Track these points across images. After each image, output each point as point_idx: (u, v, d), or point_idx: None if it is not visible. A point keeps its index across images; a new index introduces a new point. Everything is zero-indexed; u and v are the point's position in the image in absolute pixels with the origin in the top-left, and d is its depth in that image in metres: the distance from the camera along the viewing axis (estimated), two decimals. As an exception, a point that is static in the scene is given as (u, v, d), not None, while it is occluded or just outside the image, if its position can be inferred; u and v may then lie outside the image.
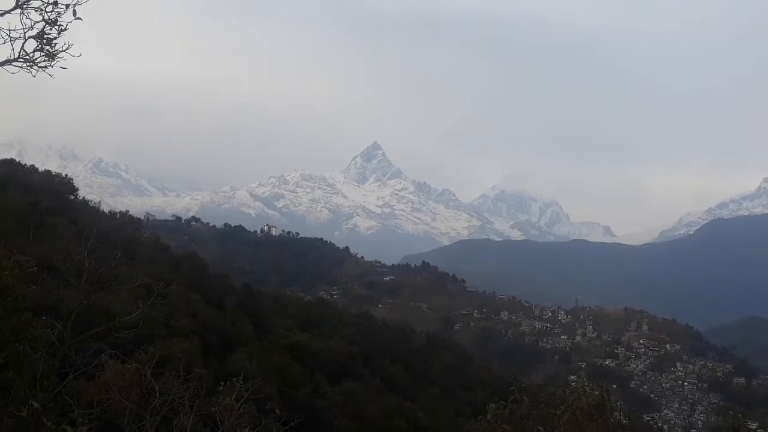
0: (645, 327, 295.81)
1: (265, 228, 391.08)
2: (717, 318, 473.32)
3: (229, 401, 20.50)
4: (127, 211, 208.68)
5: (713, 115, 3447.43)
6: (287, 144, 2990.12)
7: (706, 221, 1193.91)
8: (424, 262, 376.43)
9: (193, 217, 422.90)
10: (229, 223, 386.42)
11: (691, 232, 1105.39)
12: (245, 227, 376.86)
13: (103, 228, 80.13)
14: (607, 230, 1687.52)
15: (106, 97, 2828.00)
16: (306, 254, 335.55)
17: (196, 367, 24.94)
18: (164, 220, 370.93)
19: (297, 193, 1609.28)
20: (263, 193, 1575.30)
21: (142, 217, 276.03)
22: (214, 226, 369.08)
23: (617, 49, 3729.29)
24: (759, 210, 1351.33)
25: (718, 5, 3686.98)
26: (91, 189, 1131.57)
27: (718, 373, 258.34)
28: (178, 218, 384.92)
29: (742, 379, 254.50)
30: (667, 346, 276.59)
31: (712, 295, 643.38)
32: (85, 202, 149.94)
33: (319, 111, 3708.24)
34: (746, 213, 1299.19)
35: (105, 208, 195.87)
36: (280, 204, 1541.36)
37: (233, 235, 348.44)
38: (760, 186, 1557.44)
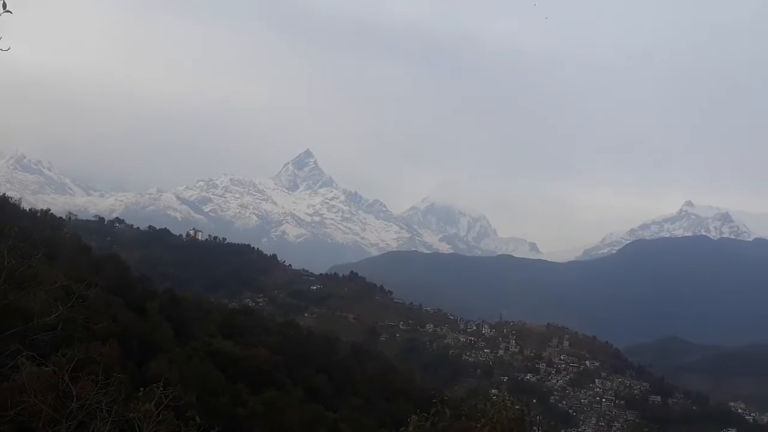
0: (566, 343, 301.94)
1: (191, 232, 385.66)
2: (636, 336, 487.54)
3: (148, 407, 20.29)
4: (49, 210, 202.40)
5: (640, 135, 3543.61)
6: (217, 148, 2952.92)
7: (628, 241, 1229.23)
8: (352, 272, 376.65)
9: (116, 218, 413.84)
10: (154, 225, 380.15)
11: (614, 252, 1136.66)
12: (171, 231, 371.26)
13: (23, 226, 77.72)
14: (533, 247, 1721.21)
15: (31, 92, 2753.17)
16: (232, 260, 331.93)
17: (115, 371, 24.56)
18: (87, 220, 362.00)
19: (225, 197, 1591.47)
20: (190, 196, 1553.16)
21: (64, 217, 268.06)
22: (138, 228, 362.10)
23: (551, 70, 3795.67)
24: (679, 233, 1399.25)
25: (648, 29, 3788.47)
26: (11, 186, 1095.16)
27: (635, 391, 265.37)
28: (101, 219, 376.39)
29: (658, 398, 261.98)
30: (587, 362, 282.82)
31: (631, 314, 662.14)
32: (5, 198, 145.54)
33: (251, 116, 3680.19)
34: (667, 235, 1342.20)
35: (26, 206, 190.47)
36: (207, 208, 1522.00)
37: (158, 238, 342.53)
38: (681, 209, 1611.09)
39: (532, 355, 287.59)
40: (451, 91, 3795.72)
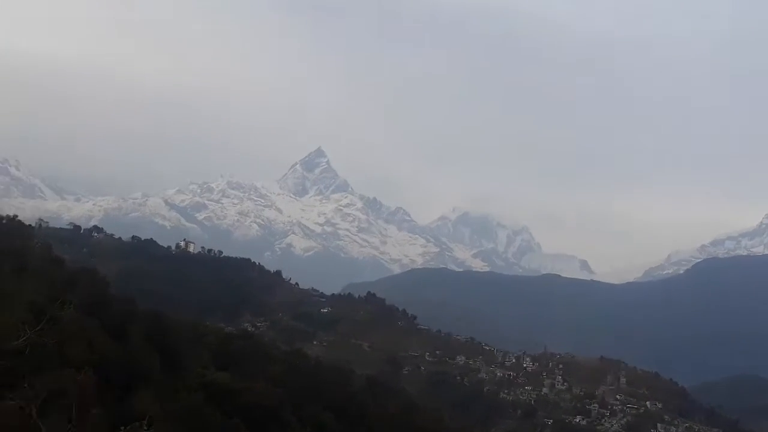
0: (623, 380, 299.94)
1: (182, 243, 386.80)
2: (706, 373, 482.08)
3: (129, 449, 20.44)
4: (16, 216, 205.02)
5: (715, 140, 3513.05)
6: (214, 146, 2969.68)
7: (698, 260, 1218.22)
8: (369, 292, 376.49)
9: (94, 226, 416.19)
10: (139, 235, 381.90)
11: (681, 272, 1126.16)
12: (158, 242, 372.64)
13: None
14: (584, 265, 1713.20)
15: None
16: (229, 277, 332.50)
17: (91, 406, 24.81)
18: (60, 228, 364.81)
19: (222, 203, 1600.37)
20: (182, 201, 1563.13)
21: (34, 224, 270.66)
22: (119, 238, 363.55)
23: (608, 68, 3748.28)
24: (759, 250, 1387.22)
25: (723, 31, 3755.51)
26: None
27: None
28: (77, 227, 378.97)
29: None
30: (648, 403, 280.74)
31: (701, 346, 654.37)
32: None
33: (254, 109, 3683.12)
34: (745, 252, 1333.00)
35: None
36: (201, 216, 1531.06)
37: (143, 250, 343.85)
38: (761, 222, 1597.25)
39: (582, 393, 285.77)
40: (491, 85, 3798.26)
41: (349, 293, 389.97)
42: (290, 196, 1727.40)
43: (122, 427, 21.08)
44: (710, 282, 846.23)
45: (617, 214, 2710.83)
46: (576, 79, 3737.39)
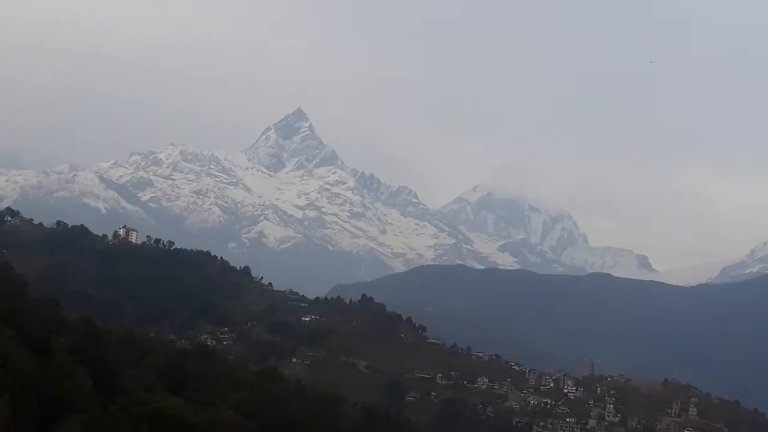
0: (693, 410, 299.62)
1: (121, 232, 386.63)
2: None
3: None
4: None
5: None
6: (162, 106, 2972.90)
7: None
8: (365, 296, 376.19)
9: (8, 208, 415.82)
10: (65, 221, 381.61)
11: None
12: (90, 229, 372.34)
13: None
14: (643, 261, 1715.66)
15: None
16: (183, 275, 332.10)
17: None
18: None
19: (174, 180, 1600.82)
20: (121, 177, 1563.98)
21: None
22: (40, 224, 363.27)
23: (678, 10, 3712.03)
24: None
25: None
26: None
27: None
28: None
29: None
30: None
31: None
32: None
33: (213, 57, 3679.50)
34: None
35: None
36: (146, 195, 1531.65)
37: (70, 239, 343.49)
38: None
39: (640, 427, 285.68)
40: (522, 32, 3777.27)
41: (339, 297, 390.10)
42: (262, 171, 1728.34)
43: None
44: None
45: (685, 196, 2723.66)
46: (624, 20, 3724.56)
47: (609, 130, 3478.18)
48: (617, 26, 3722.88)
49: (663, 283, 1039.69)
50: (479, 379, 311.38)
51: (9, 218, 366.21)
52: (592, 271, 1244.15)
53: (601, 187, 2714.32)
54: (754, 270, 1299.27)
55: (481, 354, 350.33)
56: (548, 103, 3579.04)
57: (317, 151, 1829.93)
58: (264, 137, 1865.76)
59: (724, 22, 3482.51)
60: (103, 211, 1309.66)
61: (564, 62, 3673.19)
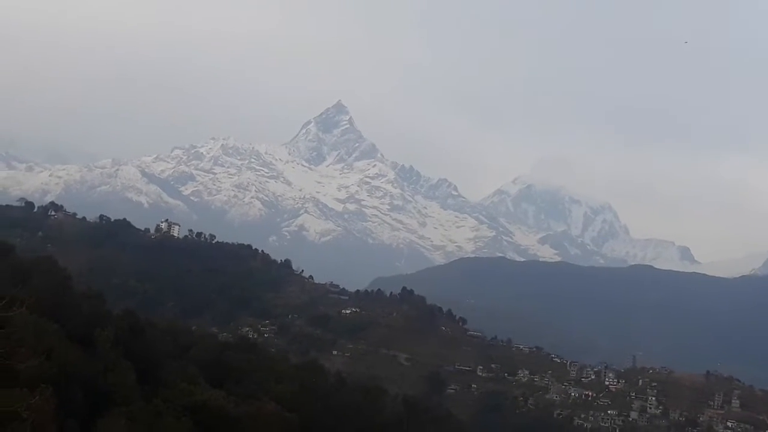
0: (736, 402, 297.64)
1: (163, 226, 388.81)
2: None
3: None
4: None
5: None
6: (204, 101, 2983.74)
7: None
8: (405, 288, 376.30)
9: (52, 203, 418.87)
10: (108, 215, 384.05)
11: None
12: (132, 223, 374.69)
13: None
14: (685, 253, 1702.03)
15: None
16: (224, 269, 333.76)
17: (48, 433, 24.82)
18: (7, 205, 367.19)
19: (215, 174, 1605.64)
20: (163, 171, 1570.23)
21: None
22: (84, 218, 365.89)
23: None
24: None
25: None
26: None
27: None
28: (30, 204, 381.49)
29: None
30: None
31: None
32: None
33: (254, 54, 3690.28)
34: None
35: None
36: (188, 190, 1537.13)
37: (113, 234, 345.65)
38: None
39: (682, 420, 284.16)
40: (566, 20, 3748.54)
41: (379, 290, 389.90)
42: (302, 165, 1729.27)
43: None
44: None
45: (726, 187, 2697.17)
46: (668, 14, 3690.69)
47: (650, 121, 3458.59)
48: (661, 19, 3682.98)
49: (705, 274, 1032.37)
50: (520, 372, 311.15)
51: (53, 213, 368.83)
52: (633, 263, 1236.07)
53: (641, 178, 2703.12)
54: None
55: (521, 346, 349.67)
56: (589, 95, 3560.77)
57: (357, 144, 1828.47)
58: (304, 131, 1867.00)
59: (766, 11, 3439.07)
60: (146, 206, 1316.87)
61: (607, 54, 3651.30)
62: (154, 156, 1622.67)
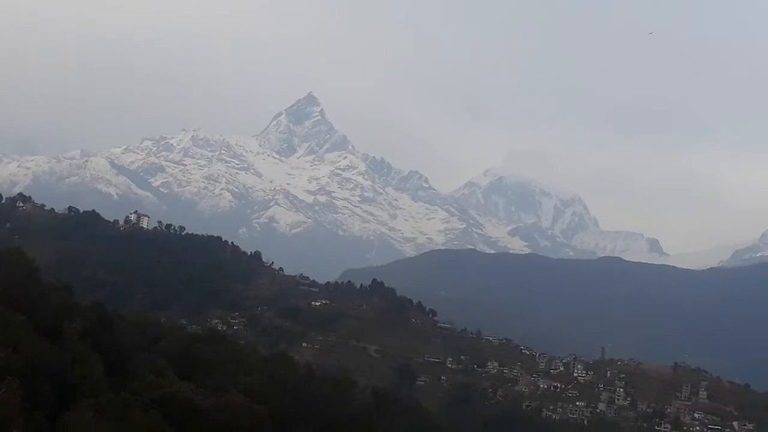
0: (703, 393, 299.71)
1: (132, 217, 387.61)
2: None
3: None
4: None
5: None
6: (173, 92, 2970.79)
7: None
8: (375, 280, 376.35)
9: (20, 194, 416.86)
10: (77, 207, 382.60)
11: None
12: (101, 214, 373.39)
13: None
14: (654, 245, 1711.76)
15: None
16: (194, 260, 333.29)
17: (14, 425, 24.92)
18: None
19: (185, 165, 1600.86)
20: (132, 163, 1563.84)
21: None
22: (52, 209, 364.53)
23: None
24: None
25: None
26: None
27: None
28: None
29: None
30: (735, 424, 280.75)
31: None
32: None
33: (225, 45, 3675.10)
34: None
35: None
36: (157, 181, 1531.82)
37: (82, 225, 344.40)
38: None
39: (650, 411, 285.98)
40: (535, 13, 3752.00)
41: (349, 282, 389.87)
42: (273, 156, 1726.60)
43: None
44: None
45: (696, 180, 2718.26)
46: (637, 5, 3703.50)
47: (621, 115, 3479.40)
48: (634, 12, 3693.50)
49: (674, 266, 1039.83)
50: (489, 363, 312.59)
51: (21, 204, 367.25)
52: (602, 255, 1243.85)
53: (612, 171, 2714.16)
54: (766, 253, 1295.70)
55: (491, 338, 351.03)
56: (561, 88, 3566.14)
57: (328, 136, 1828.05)
58: (275, 122, 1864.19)
59: (743, 3, 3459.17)
60: (115, 197, 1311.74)
61: (583, 50, 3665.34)
62: (124, 147, 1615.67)
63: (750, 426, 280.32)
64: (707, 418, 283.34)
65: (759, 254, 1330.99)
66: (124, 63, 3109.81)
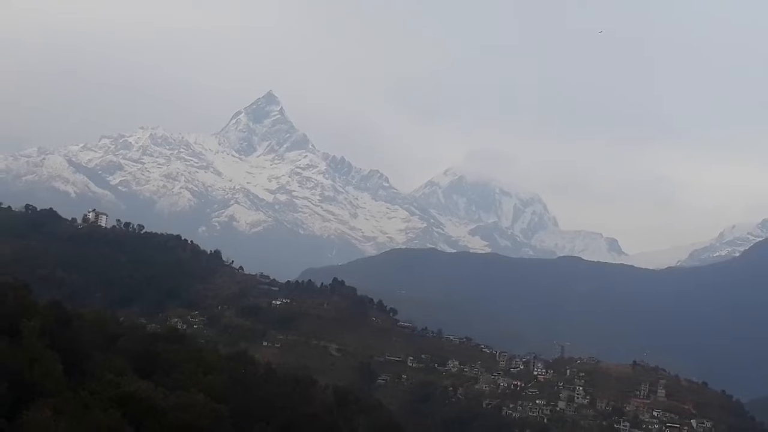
0: (662, 392, 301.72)
1: (90, 215, 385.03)
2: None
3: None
4: None
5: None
6: (131, 89, 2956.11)
7: (759, 239, 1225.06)
8: (336, 279, 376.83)
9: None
10: (34, 205, 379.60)
11: (737, 254, 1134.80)
12: (59, 213, 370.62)
13: None
14: (612, 245, 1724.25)
15: None
16: (153, 259, 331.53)
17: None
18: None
19: (144, 163, 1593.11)
20: (90, 161, 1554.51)
21: None
22: (9, 208, 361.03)
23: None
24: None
25: None
26: None
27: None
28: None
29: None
30: (693, 422, 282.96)
31: (763, 349, 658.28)
32: None
33: (184, 42, 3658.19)
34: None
35: None
36: (115, 179, 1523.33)
37: (39, 224, 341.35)
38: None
39: (609, 409, 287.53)
40: (498, 10, 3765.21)
41: (310, 281, 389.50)
42: (232, 155, 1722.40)
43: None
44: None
45: (654, 180, 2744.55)
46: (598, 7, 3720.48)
47: (580, 115, 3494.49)
48: (589, 12, 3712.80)
49: (632, 266, 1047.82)
50: (450, 362, 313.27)
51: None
52: (562, 255, 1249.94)
53: (571, 171, 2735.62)
54: (723, 253, 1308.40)
55: (451, 337, 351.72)
56: (520, 88, 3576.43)
57: (288, 135, 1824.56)
58: (234, 121, 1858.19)
59: (697, 3, 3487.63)
60: (73, 195, 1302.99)
61: (537, 49, 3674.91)
62: (82, 145, 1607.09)
63: (708, 424, 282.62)
64: (665, 416, 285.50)
65: (716, 254, 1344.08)
66: (82, 61, 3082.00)
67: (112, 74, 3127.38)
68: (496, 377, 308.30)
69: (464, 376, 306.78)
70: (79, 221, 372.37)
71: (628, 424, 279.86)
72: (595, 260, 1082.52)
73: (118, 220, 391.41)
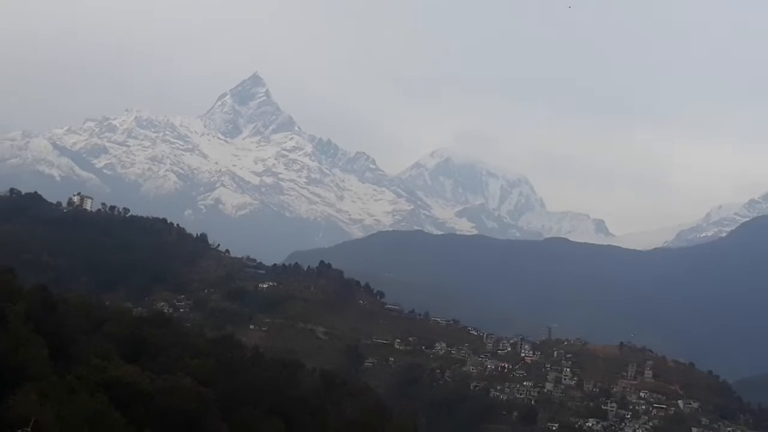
0: (649, 373, 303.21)
1: (76, 199, 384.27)
2: (755, 364, 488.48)
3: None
4: None
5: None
6: (116, 71, 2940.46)
7: (746, 219, 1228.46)
8: (322, 262, 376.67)
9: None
10: (18, 188, 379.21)
11: (724, 235, 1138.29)
12: (43, 196, 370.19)
13: None
14: (600, 226, 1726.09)
15: None
16: (138, 242, 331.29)
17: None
18: None
19: (129, 146, 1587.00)
20: (74, 144, 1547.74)
21: None
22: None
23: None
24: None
25: None
26: None
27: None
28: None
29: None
30: (680, 402, 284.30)
31: (749, 330, 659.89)
32: None
33: (170, 21, 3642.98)
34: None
35: None
36: (100, 162, 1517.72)
37: (24, 207, 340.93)
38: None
39: (596, 390, 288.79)
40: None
41: (296, 264, 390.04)
42: (218, 137, 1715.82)
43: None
44: (762, 247, 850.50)
45: (641, 161, 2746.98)
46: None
47: (568, 95, 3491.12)
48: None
49: (619, 247, 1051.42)
50: (437, 344, 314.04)
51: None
52: (549, 236, 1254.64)
53: (558, 152, 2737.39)
54: (709, 234, 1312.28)
55: (439, 319, 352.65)
56: (508, 69, 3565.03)
57: (274, 117, 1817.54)
58: (220, 103, 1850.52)
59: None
60: (57, 179, 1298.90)
61: (524, 28, 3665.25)
62: (66, 128, 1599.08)
63: (694, 404, 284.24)
64: (653, 397, 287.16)
65: (702, 234, 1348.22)
66: (66, 43, 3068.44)
67: (96, 57, 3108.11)
68: (484, 359, 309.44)
69: (452, 358, 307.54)
70: (64, 205, 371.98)
71: (615, 405, 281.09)
72: (582, 241, 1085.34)
73: (104, 204, 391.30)
